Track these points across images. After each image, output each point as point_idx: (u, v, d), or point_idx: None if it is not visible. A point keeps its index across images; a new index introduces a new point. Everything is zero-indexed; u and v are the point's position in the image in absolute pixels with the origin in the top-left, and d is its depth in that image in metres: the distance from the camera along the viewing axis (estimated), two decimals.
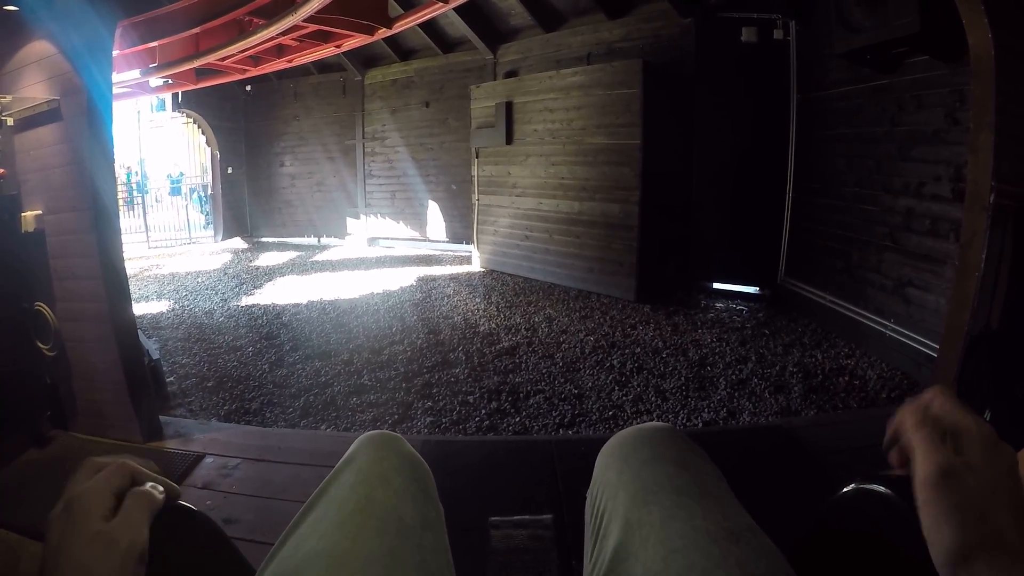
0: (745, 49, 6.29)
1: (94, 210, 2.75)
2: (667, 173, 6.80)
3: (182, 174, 14.04)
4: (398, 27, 6.96)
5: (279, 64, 8.87)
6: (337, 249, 11.57)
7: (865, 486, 0.71)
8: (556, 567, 1.28)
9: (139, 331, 3.22)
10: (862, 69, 4.73)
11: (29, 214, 2.88)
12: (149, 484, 0.67)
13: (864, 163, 4.94)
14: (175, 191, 15.14)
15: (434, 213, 10.76)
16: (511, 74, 9.06)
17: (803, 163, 6.09)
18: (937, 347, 3.35)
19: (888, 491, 0.66)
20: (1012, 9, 2.48)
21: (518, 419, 3.81)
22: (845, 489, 0.75)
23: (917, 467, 0.57)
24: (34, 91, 2.86)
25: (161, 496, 0.67)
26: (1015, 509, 0.54)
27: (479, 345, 5.27)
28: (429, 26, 9.47)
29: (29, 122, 2.88)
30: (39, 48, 2.84)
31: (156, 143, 15.10)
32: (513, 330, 5.73)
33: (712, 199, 6.94)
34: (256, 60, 8.74)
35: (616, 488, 0.95)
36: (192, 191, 14.71)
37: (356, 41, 7.53)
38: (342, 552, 0.77)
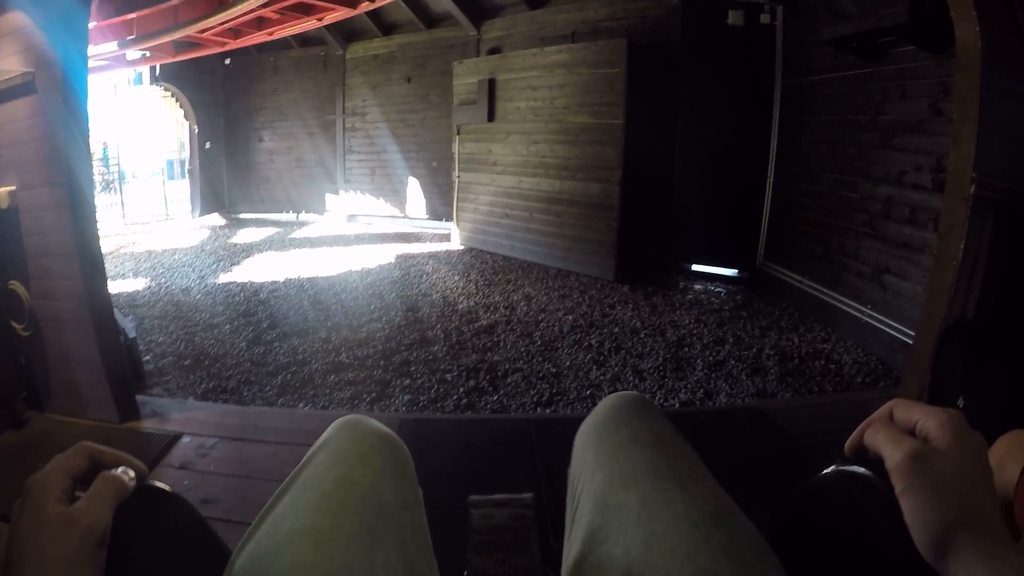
0: (731, 32, 6.28)
1: (68, 186, 2.69)
2: (649, 154, 6.81)
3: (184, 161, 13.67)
4: (381, 0, 6.89)
5: (259, 37, 8.78)
6: (316, 226, 11.48)
7: (846, 467, 0.71)
8: (537, 545, 1.29)
9: (115, 309, 3.17)
10: (847, 57, 4.74)
11: (2, 190, 2.82)
12: (120, 469, 0.68)
13: (846, 150, 4.96)
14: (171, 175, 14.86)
15: (414, 190, 10.71)
16: (494, 51, 8.99)
17: (785, 148, 6.11)
18: (913, 334, 3.38)
19: (868, 472, 0.67)
20: (1000, 3, 2.49)
21: (496, 397, 3.82)
22: (826, 470, 0.76)
23: (888, 459, 0.59)
24: (7, 64, 2.79)
25: (131, 481, 0.68)
26: (987, 490, 0.56)
27: (457, 323, 5.27)
28: (412, 0, 9.38)
29: (2, 95, 2.82)
30: (12, 19, 2.77)
31: (133, 117, 14.84)
32: (492, 308, 5.73)
33: (693, 181, 6.95)
34: (236, 33, 8.64)
35: (593, 470, 0.95)
36: (169, 164, 14.53)
37: (338, 14, 7.47)
38: (322, 530, 0.76)
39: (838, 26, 4.35)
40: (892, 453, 0.59)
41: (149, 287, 6.79)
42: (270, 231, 10.85)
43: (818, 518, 0.80)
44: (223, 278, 7.18)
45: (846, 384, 4.04)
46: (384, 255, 8.46)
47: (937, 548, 0.53)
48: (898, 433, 0.61)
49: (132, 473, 0.69)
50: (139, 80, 13.58)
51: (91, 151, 2.95)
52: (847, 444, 0.69)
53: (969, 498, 0.54)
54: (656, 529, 0.78)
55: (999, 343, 2.57)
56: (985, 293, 2.58)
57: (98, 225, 2.92)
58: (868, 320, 4.55)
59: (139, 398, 3.11)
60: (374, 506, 0.83)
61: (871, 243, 4.60)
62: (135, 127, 14.67)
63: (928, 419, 0.60)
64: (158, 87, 11.68)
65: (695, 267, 6.93)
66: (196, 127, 12.12)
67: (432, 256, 8.37)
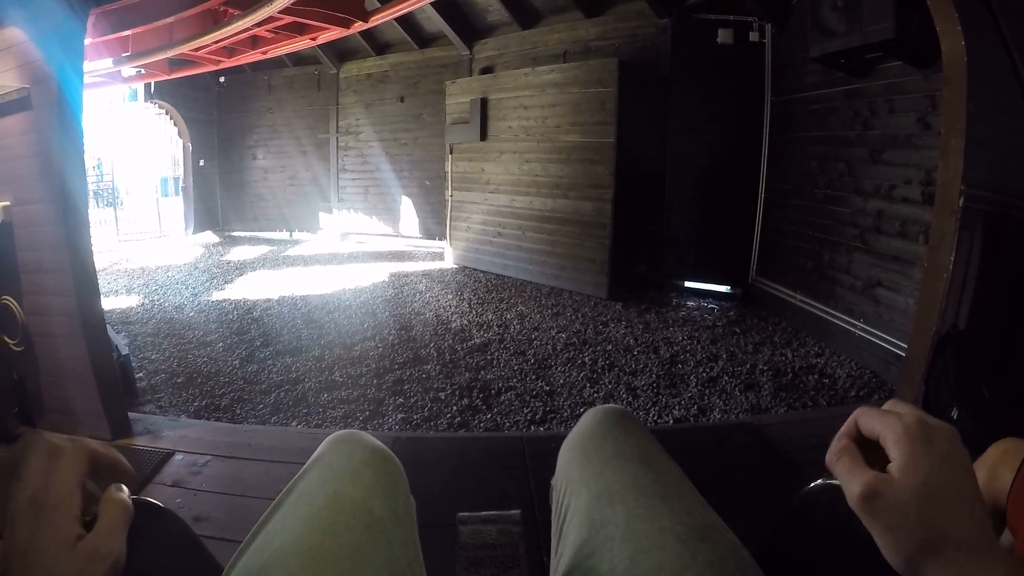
0: (721, 50, 6.34)
1: (63, 202, 2.69)
2: (641, 172, 6.84)
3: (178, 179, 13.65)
4: (375, 21, 6.92)
5: (253, 56, 8.79)
6: (309, 244, 11.47)
7: (831, 481, 0.71)
8: (525, 562, 1.28)
9: (108, 326, 3.17)
10: (836, 73, 4.78)
11: None
12: (119, 488, 0.64)
13: (836, 165, 4.99)
14: (165, 192, 14.83)
15: (407, 209, 10.72)
16: (487, 70, 9.04)
17: (776, 164, 6.15)
18: (906, 347, 3.40)
19: None
20: (985, 17, 2.52)
21: (489, 416, 3.81)
22: (812, 484, 0.76)
23: (846, 496, 0.58)
24: (3, 79, 2.79)
25: (131, 500, 0.64)
26: (957, 502, 0.54)
27: (451, 342, 5.26)
28: (406, 20, 9.42)
29: None
30: (9, 35, 2.78)
31: (128, 134, 14.80)
32: (485, 327, 5.72)
33: (685, 198, 6.98)
34: (230, 51, 8.65)
35: (579, 485, 0.96)
36: (163, 181, 14.51)
37: (332, 34, 7.48)
38: (312, 548, 0.76)
39: (826, 43, 4.38)
40: (846, 489, 0.58)
41: (142, 304, 6.76)
42: (263, 249, 10.84)
43: (805, 531, 0.80)
44: (216, 296, 7.16)
45: (840, 398, 4.04)
46: (377, 273, 8.46)
47: (908, 574, 0.54)
48: (852, 465, 0.59)
49: (127, 492, 0.65)
50: (134, 97, 13.53)
51: (86, 167, 2.94)
52: (827, 458, 0.68)
53: (929, 521, 0.52)
54: (642, 545, 0.78)
55: (991, 353, 2.58)
56: (976, 304, 2.60)
57: (92, 241, 2.91)
58: (861, 334, 4.56)
59: (132, 415, 3.09)
60: (364, 522, 0.83)
61: (862, 257, 4.62)
62: (129, 144, 14.61)
63: (887, 434, 0.58)
64: (153, 104, 11.67)
65: (688, 284, 6.95)
66: (190, 144, 12.10)
67: (425, 275, 8.36)
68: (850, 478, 0.58)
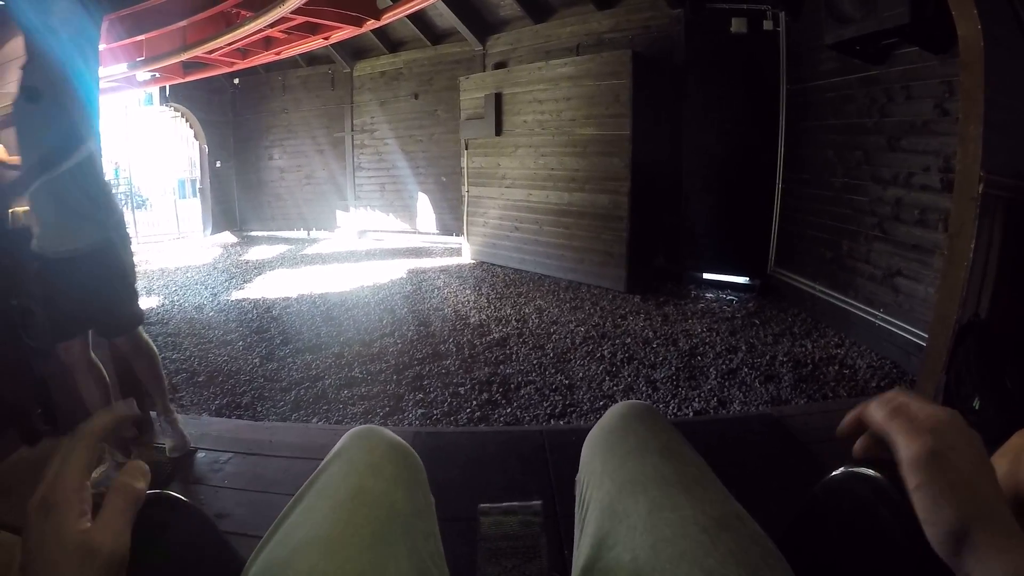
0: (735, 40, 6.30)
1: None
2: (657, 163, 6.81)
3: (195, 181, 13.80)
4: (387, 18, 6.95)
5: (267, 57, 8.85)
6: (327, 242, 11.53)
7: (854, 469, 0.71)
8: (546, 552, 1.29)
9: None
10: (851, 60, 4.74)
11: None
12: (126, 472, 0.61)
13: (853, 154, 4.95)
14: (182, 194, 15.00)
15: (424, 205, 10.75)
16: (500, 65, 9.02)
17: (792, 154, 6.11)
18: (926, 336, 3.37)
19: (877, 474, 0.67)
20: (1001, 0, 2.48)
21: (509, 410, 3.81)
22: (834, 473, 0.76)
23: (902, 451, 0.57)
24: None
25: (143, 485, 0.61)
26: (998, 488, 0.55)
27: (470, 336, 5.27)
28: (418, 17, 9.45)
29: None
30: (24, 42, 2.81)
31: (144, 137, 14.93)
32: (503, 321, 5.73)
33: (702, 189, 6.95)
34: (244, 53, 8.72)
35: (601, 477, 0.96)
36: (181, 183, 14.65)
37: (344, 33, 7.52)
38: (334, 539, 0.77)
39: (841, 30, 4.35)
40: (909, 445, 0.57)
41: (163, 304, 6.84)
42: (282, 248, 10.92)
43: (827, 520, 0.80)
44: (236, 295, 7.22)
45: (861, 389, 4.01)
46: (395, 270, 8.49)
47: (953, 544, 0.53)
48: (912, 426, 0.58)
49: (144, 471, 0.62)
50: (149, 101, 13.66)
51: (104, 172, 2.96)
52: (842, 426, 0.68)
53: (984, 495, 0.54)
54: (664, 534, 0.78)
55: (1014, 342, 2.55)
56: (998, 292, 2.57)
57: None
58: (881, 323, 4.52)
59: (153, 414, 3.12)
60: (386, 514, 0.84)
61: (882, 246, 4.59)
62: (146, 147, 14.76)
63: (932, 415, 0.58)
64: (168, 107, 11.77)
65: (706, 276, 6.92)
66: (206, 146, 12.21)
67: (443, 270, 8.39)
68: (913, 435, 0.57)
